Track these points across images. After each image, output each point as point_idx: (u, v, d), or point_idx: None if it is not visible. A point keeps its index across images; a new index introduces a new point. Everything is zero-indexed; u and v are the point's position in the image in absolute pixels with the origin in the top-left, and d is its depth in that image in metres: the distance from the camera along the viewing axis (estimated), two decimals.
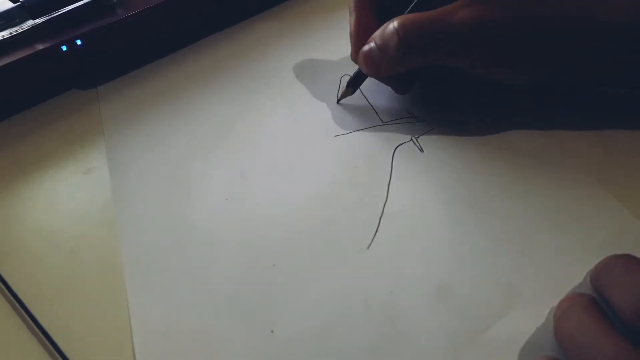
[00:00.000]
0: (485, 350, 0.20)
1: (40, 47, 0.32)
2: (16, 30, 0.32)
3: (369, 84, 0.32)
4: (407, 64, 0.27)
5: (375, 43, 0.27)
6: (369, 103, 0.31)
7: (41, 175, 0.29)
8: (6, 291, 0.24)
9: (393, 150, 0.28)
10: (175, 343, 0.21)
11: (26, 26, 0.32)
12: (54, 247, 0.26)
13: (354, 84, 0.31)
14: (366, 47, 0.28)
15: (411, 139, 0.28)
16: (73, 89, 0.35)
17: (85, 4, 0.34)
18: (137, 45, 0.36)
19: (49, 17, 0.33)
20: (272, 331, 0.21)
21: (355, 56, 0.29)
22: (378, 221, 0.25)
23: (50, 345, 0.22)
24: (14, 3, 0.33)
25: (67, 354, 0.21)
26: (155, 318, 0.22)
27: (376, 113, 0.30)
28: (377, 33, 0.27)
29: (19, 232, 0.27)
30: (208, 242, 0.25)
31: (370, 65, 0.28)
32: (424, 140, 0.29)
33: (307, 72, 0.34)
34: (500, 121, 0.29)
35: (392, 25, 0.26)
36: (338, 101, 0.31)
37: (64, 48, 0.32)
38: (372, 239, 0.24)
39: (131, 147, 0.30)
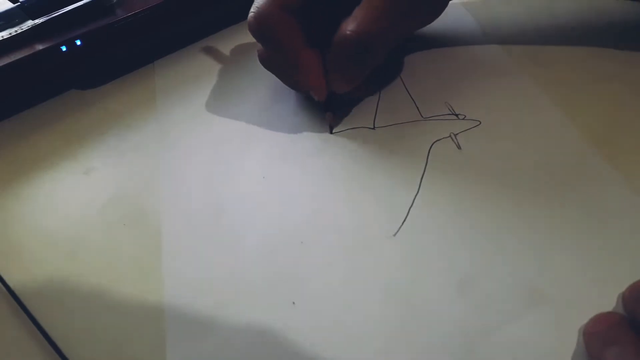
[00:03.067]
0: (498, 349, 0.20)
1: (40, 47, 0.32)
2: (16, 31, 0.32)
3: (410, 80, 0.31)
4: (383, 52, 0.27)
5: (342, 58, 0.26)
6: (411, 97, 0.31)
7: (41, 175, 0.29)
8: (6, 291, 0.24)
9: (430, 145, 0.28)
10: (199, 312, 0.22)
11: (26, 26, 0.32)
12: (54, 247, 0.26)
13: (331, 106, 0.30)
14: (337, 76, 0.27)
15: (449, 135, 0.28)
16: (73, 89, 0.35)
17: (85, 4, 0.34)
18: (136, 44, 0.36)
19: (49, 17, 0.33)
20: (293, 303, 0.22)
21: (323, 92, 0.28)
22: (407, 211, 0.25)
23: (50, 346, 0.22)
24: (14, 3, 0.33)
25: (67, 354, 0.21)
26: (187, 282, 0.24)
27: (417, 108, 0.30)
28: (337, 55, 0.26)
29: (19, 232, 0.27)
30: (241, 218, 0.26)
31: (347, 80, 0.27)
32: (462, 137, 0.28)
33: None
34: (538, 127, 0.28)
35: (348, 35, 0.25)
36: (331, 131, 0.30)
37: (64, 48, 0.32)
38: (400, 227, 0.24)
39: (179, 122, 0.32)
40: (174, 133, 0.31)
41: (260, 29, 0.27)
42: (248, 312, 0.22)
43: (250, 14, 0.27)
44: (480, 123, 0.28)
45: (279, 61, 0.28)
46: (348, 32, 0.25)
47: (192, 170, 0.28)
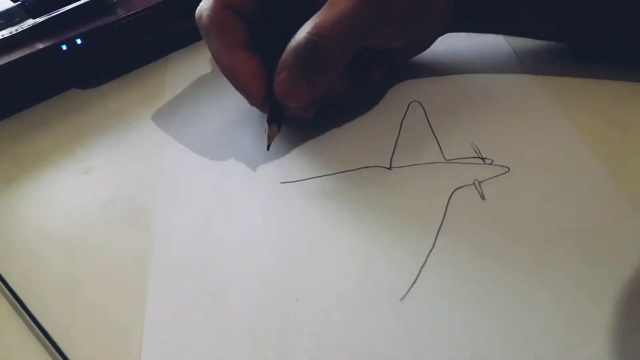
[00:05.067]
0: None
1: (41, 46, 0.32)
2: (16, 30, 0.32)
3: (435, 114, 0.29)
4: (340, 64, 0.25)
5: (295, 66, 0.24)
6: (434, 134, 0.28)
7: (41, 174, 0.29)
8: (6, 291, 0.24)
9: (451, 193, 0.25)
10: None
11: (26, 25, 0.32)
12: (54, 247, 0.26)
13: (276, 118, 0.27)
14: (283, 77, 0.25)
15: (473, 183, 0.25)
16: (73, 88, 0.35)
17: (85, 3, 0.34)
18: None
19: (49, 16, 0.33)
20: None
21: (259, 98, 0.26)
22: (418, 271, 0.22)
23: (50, 346, 0.22)
24: (15, 2, 0.33)
25: (67, 354, 0.21)
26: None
27: (439, 148, 0.27)
28: (289, 56, 0.24)
29: (19, 232, 0.27)
30: (236, 259, 0.24)
31: (295, 90, 0.25)
32: (487, 185, 0.25)
33: None
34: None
35: (304, 36, 0.24)
36: (268, 147, 0.27)
37: (64, 47, 0.32)
38: (408, 290, 0.21)
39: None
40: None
41: (199, 23, 0.27)
42: None
43: (197, 9, 0.27)
44: (509, 170, 0.25)
45: (216, 60, 0.27)
46: (304, 34, 0.24)
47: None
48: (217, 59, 0.27)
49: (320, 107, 0.28)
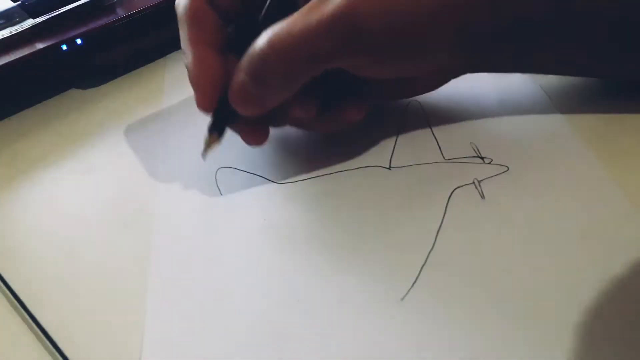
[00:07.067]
0: None
1: (41, 46, 0.32)
2: (16, 30, 0.32)
3: (434, 114, 0.28)
4: (297, 81, 0.23)
5: (247, 74, 0.22)
6: (433, 134, 0.28)
7: (41, 174, 0.29)
8: (6, 291, 0.24)
9: (450, 192, 0.25)
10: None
11: (26, 25, 0.32)
12: (54, 247, 0.26)
13: (219, 126, 0.25)
14: (237, 78, 0.23)
15: (473, 182, 0.25)
16: (73, 88, 0.35)
17: (85, 3, 0.34)
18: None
19: (49, 16, 0.33)
20: None
21: (206, 102, 0.24)
22: (419, 270, 0.22)
23: (50, 345, 0.22)
24: (15, 2, 0.33)
25: (67, 354, 0.21)
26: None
27: (439, 147, 0.27)
28: (245, 61, 0.22)
29: (19, 232, 0.27)
30: (236, 259, 0.24)
31: (248, 100, 0.23)
32: (487, 184, 0.25)
33: None
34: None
35: (259, 45, 0.22)
36: (204, 155, 0.25)
37: (64, 47, 0.32)
38: (409, 290, 0.21)
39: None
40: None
41: (176, 11, 0.26)
42: None
43: None
44: (508, 169, 0.25)
45: (182, 52, 0.26)
46: (261, 43, 0.22)
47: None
48: (183, 52, 0.25)
49: (277, 126, 0.27)
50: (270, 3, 0.23)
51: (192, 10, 0.25)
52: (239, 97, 0.23)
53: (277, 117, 0.26)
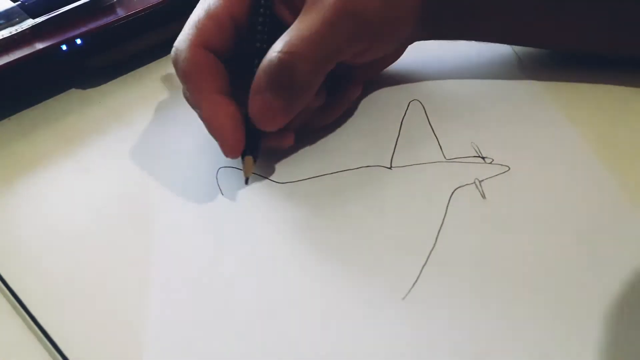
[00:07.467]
0: None
1: (40, 46, 0.32)
2: (16, 30, 0.32)
3: (435, 113, 0.29)
4: (315, 84, 0.24)
5: (268, 89, 0.23)
6: (434, 134, 0.28)
7: (41, 174, 0.29)
8: (6, 291, 0.24)
9: (451, 192, 0.25)
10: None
11: (26, 25, 0.32)
12: (54, 247, 0.25)
13: (253, 149, 0.25)
14: (257, 101, 0.24)
15: (474, 182, 0.25)
16: (73, 88, 0.35)
17: (85, 3, 0.34)
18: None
19: (49, 16, 0.33)
20: None
21: (236, 149, 0.25)
22: (420, 270, 0.22)
23: (50, 346, 0.22)
24: (14, 2, 0.33)
25: (67, 355, 0.21)
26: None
27: (440, 147, 0.27)
28: (261, 78, 0.23)
29: (19, 232, 0.27)
30: (236, 259, 0.24)
31: (275, 115, 0.24)
32: (488, 184, 0.25)
33: None
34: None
35: (275, 56, 0.23)
36: (246, 181, 0.26)
37: (64, 47, 0.32)
38: (410, 290, 0.21)
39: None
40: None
41: (175, 65, 0.25)
42: None
43: (172, 49, 0.25)
44: (509, 169, 0.25)
45: (193, 105, 0.26)
46: (275, 54, 0.23)
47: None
48: (195, 105, 0.25)
49: (295, 130, 0.27)
50: (261, 28, 0.25)
51: (195, 61, 0.25)
52: (265, 117, 0.24)
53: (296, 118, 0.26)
